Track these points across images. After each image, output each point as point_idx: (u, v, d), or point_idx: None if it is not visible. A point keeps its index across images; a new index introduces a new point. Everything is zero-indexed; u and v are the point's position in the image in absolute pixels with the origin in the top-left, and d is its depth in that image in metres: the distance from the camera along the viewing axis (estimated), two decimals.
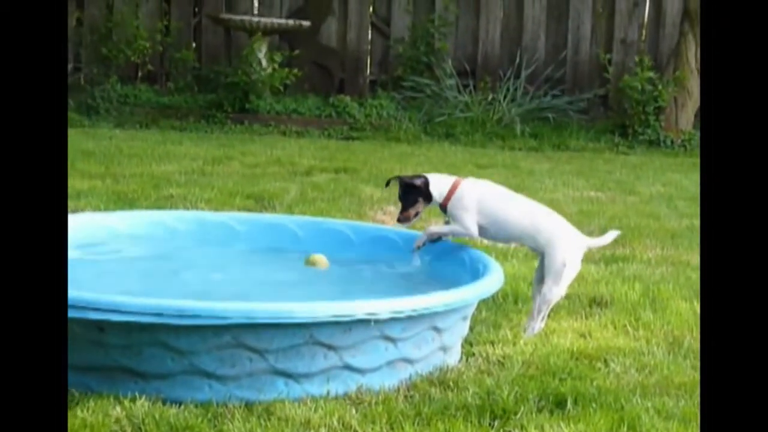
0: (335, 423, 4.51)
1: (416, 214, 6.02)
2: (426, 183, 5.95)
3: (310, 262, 6.26)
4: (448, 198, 5.94)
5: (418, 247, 6.11)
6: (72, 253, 4.54)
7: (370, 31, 17.78)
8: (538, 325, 5.88)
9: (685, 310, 6.47)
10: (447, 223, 6.06)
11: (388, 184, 6.28)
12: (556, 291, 5.83)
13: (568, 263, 5.82)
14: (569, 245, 5.85)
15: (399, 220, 6.09)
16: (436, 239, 6.13)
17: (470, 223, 5.92)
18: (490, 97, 16.65)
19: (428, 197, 5.96)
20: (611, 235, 6.09)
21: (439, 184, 5.97)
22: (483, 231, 5.99)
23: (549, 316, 6.08)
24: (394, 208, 8.77)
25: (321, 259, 6.27)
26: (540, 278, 5.92)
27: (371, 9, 17.76)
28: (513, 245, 7.64)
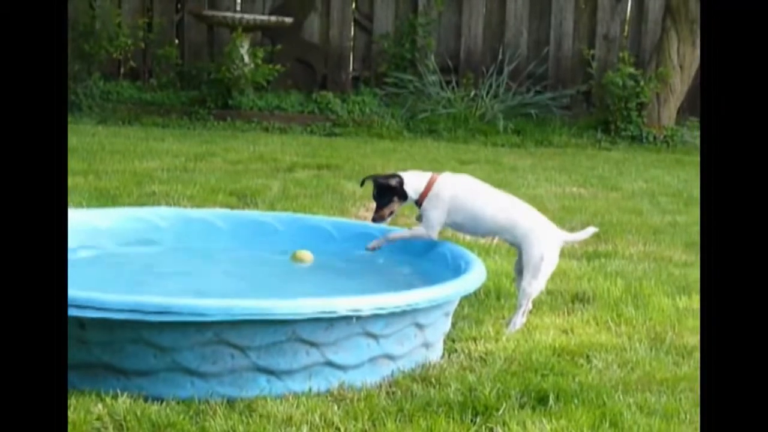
0: (317, 419, 4.51)
1: (391, 213, 6.06)
2: (401, 182, 5.98)
3: (296, 258, 6.26)
4: (424, 195, 5.97)
5: (373, 249, 6.14)
6: None
7: (352, 28, 17.78)
8: (520, 320, 5.90)
9: (667, 306, 6.49)
10: (419, 217, 6.10)
11: (362, 183, 6.29)
12: (535, 285, 5.88)
13: (545, 257, 5.86)
14: (546, 239, 5.91)
15: (374, 220, 6.11)
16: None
17: (436, 224, 6.00)
18: (472, 93, 16.66)
19: (403, 196, 5.98)
20: (589, 230, 6.14)
21: (414, 181, 6.00)
22: (459, 227, 6.08)
23: (531, 312, 6.09)
24: None
25: (306, 255, 6.28)
26: (519, 271, 5.97)
27: (354, 5, 17.75)
28: (495, 240, 7.66)
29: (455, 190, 5.99)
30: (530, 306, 6.03)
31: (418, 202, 6.01)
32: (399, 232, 6.17)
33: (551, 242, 5.93)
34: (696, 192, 10.62)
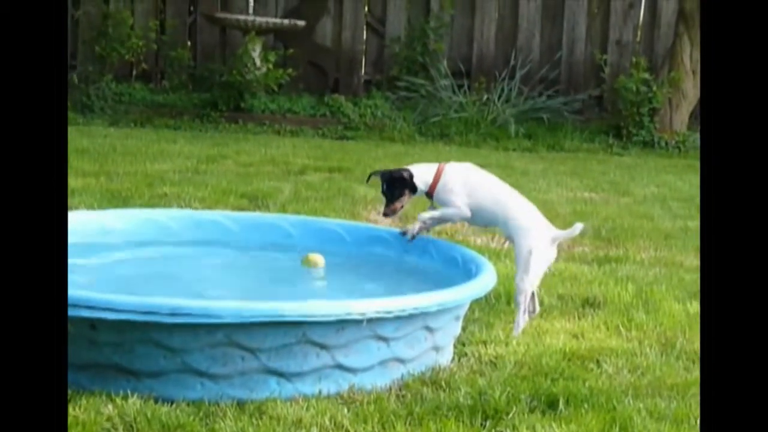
0: (327, 422, 4.51)
1: (401, 207, 6.05)
2: (411, 174, 5.98)
3: (308, 262, 6.24)
4: (433, 186, 5.97)
5: (413, 237, 6.13)
6: None
7: (365, 31, 17.78)
8: (522, 319, 5.88)
9: (678, 312, 6.47)
10: (434, 209, 6.09)
11: (368, 179, 6.30)
12: (527, 280, 5.85)
13: (534, 251, 5.83)
14: (535, 234, 5.88)
15: (385, 214, 6.12)
16: (428, 229, 6.17)
17: (461, 204, 5.98)
18: (484, 97, 16.64)
19: (413, 188, 5.99)
20: (576, 227, 6.04)
21: (422, 173, 6.01)
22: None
23: (541, 315, 6.09)
24: None
25: (318, 258, 6.26)
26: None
27: (366, 9, 17.75)
28: (506, 244, 7.65)
29: (464, 177, 6.01)
30: (538, 309, 6.03)
31: (429, 194, 6.02)
32: (430, 213, 6.08)
33: (540, 237, 5.89)
34: None
